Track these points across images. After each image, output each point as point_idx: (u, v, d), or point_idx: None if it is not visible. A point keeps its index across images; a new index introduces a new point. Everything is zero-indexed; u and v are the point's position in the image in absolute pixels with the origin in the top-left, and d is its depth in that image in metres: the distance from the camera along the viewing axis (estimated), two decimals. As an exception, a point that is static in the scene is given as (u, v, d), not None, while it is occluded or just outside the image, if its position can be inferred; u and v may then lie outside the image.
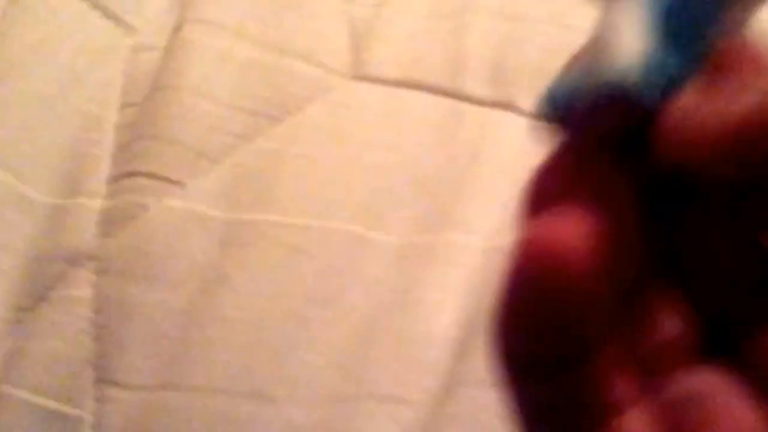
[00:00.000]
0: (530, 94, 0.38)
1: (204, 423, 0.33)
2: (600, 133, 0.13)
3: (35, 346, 0.34)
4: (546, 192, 0.15)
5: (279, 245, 0.35)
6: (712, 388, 0.15)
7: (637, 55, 0.12)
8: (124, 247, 0.35)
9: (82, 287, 0.35)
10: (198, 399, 0.33)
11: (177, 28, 0.39)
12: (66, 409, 0.33)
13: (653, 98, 0.12)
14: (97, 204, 0.36)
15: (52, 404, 0.33)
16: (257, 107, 0.38)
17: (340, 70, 0.39)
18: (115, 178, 0.37)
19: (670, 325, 0.15)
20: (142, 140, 0.37)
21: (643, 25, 0.12)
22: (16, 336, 0.34)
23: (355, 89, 0.39)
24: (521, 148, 0.37)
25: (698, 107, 0.13)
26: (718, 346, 0.16)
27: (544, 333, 0.15)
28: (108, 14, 0.40)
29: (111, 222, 0.36)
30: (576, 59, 0.14)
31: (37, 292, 0.35)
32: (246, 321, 0.34)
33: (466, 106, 0.39)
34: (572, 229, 0.14)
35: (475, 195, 0.36)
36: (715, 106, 0.13)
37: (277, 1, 0.40)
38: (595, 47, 0.13)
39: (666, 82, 0.13)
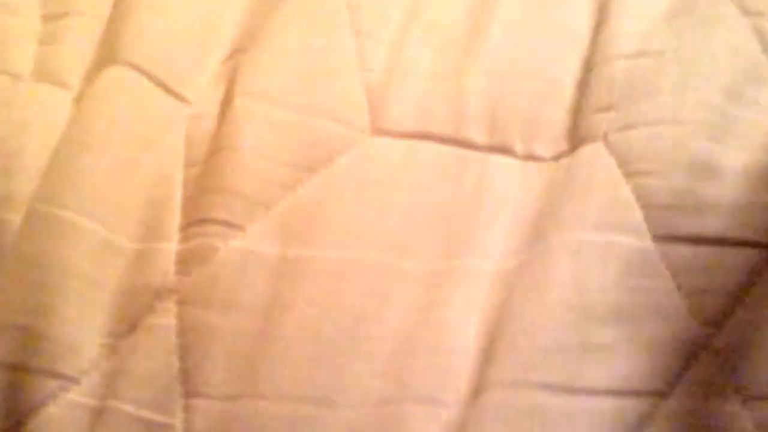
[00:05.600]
0: (522, 139, 0.42)
1: (274, 426, 0.36)
2: None
3: (131, 366, 0.37)
4: None
5: (325, 275, 0.39)
6: None
7: None
8: (199, 282, 0.38)
9: (167, 316, 0.38)
10: (268, 405, 0.36)
11: (228, 99, 0.43)
12: (160, 418, 0.36)
13: None
14: (173, 247, 0.40)
15: (150, 415, 0.36)
16: (297, 161, 0.42)
17: (362, 127, 0.43)
18: (187, 225, 0.40)
19: None
20: (208, 193, 0.41)
21: None
22: (114, 359, 0.38)
23: (375, 142, 0.43)
24: (517, 185, 0.41)
25: None
26: None
27: None
28: (168, 90, 0.45)
29: (187, 261, 0.39)
30: None
31: (129, 321, 0.38)
32: (304, 338, 0.37)
33: (468, 152, 0.42)
34: None
35: (483, 226, 0.39)
36: None
37: (308, 72, 0.45)
38: None
39: None
